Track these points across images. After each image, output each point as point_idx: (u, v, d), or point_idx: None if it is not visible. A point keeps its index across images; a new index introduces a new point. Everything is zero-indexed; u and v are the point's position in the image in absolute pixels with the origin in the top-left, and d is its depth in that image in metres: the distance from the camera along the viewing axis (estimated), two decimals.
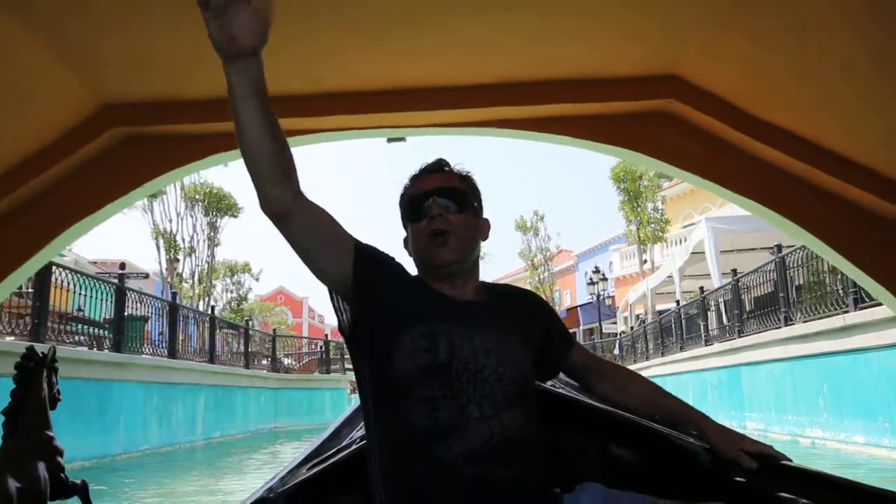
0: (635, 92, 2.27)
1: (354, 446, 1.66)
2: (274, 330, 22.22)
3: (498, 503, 1.23)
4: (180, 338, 12.98)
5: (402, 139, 2.61)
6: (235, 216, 27.58)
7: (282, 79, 2.04)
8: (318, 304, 62.39)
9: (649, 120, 2.36)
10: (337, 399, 22.84)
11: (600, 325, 31.22)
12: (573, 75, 2.25)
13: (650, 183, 26.86)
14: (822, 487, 1.34)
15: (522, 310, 1.51)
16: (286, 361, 23.45)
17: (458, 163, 1.52)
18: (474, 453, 1.24)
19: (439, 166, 1.49)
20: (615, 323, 33.21)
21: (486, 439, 1.25)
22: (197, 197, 26.04)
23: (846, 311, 8.05)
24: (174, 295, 12.46)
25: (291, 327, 46.65)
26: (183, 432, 12.68)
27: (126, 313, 11.32)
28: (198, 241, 26.13)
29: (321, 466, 1.64)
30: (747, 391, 11.60)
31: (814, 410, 9.24)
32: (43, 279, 8.41)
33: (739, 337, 11.83)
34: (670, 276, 19.21)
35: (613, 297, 34.67)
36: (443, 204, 1.41)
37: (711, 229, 13.16)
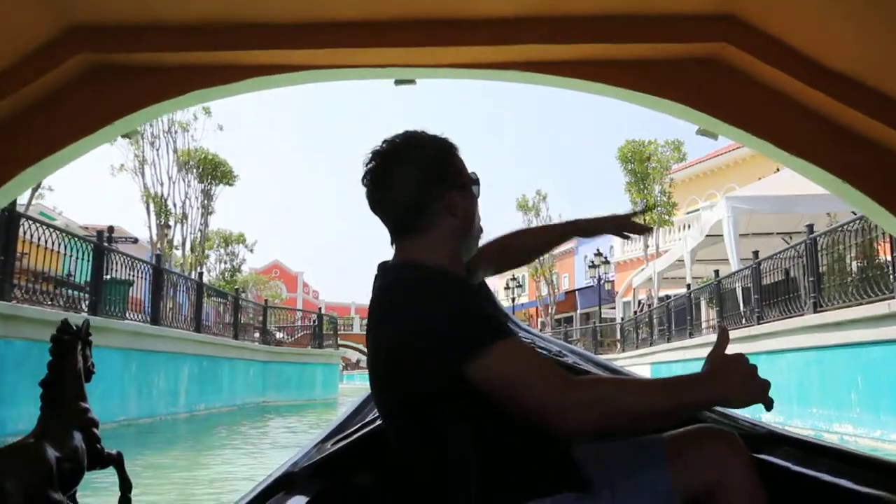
0: (684, 32, 2.02)
1: (378, 422, 1.64)
2: (265, 301, 21.47)
3: None
4: (164, 304, 12.23)
5: (411, 81, 2.36)
6: (231, 184, 26.96)
7: (273, 4, 1.94)
8: (313, 279, 62.21)
9: (698, 67, 2.12)
10: (328, 375, 22.18)
11: (600, 309, 30.68)
12: (612, 10, 1.99)
13: (658, 164, 26.18)
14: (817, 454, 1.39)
15: None
16: (279, 335, 22.77)
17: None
18: None
19: None
20: (613, 308, 32.70)
21: None
22: (191, 163, 25.37)
23: (891, 297, 7.34)
24: (158, 257, 11.69)
25: (285, 301, 46.21)
26: (164, 403, 11.97)
27: (109, 276, 10.72)
28: (191, 208, 25.54)
29: (344, 443, 1.65)
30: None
31: (844, 404, 8.55)
32: (9, 232, 7.64)
33: (759, 324, 11.14)
34: (680, 260, 18.49)
35: (613, 281, 34.15)
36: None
37: (731, 209, 12.41)
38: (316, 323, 21.94)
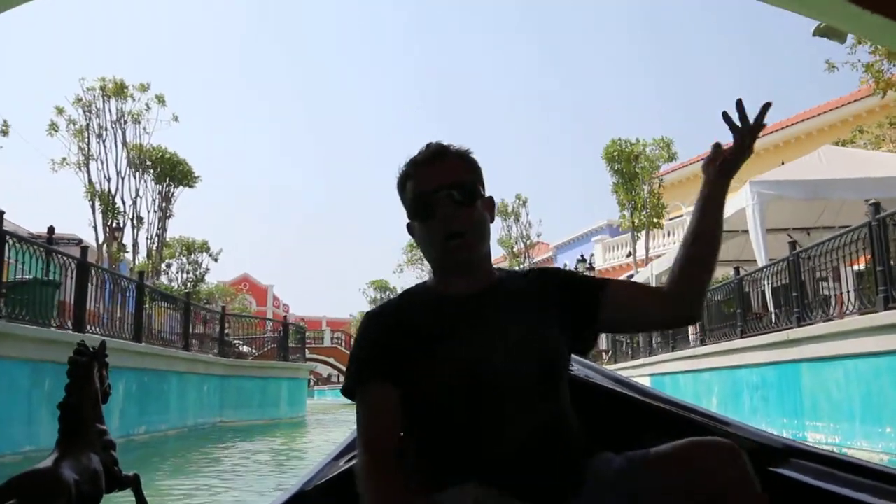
0: None
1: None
2: (223, 308, 19.33)
3: None
4: (94, 307, 10.19)
5: None
6: (192, 186, 25.05)
7: None
8: (283, 292, 60.12)
9: None
10: (295, 390, 20.10)
11: None
12: None
13: (647, 164, 24.68)
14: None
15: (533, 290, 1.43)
16: (245, 349, 20.66)
17: (456, 144, 1.43)
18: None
19: (442, 152, 1.40)
20: None
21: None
22: (148, 163, 23.37)
23: None
24: (84, 250, 9.64)
25: (259, 322, 44.34)
26: None
27: (32, 276, 8.86)
28: (148, 210, 23.58)
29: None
30: (810, 394, 9.23)
31: None
32: None
33: (799, 326, 9.46)
34: None
35: None
36: (457, 199, 1.35)
37: (757, 195, 10.80)
38: (281, 333, 19.83)
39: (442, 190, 1.34)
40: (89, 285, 9.85)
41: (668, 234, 28.06)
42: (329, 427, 18.99)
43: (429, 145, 1.41)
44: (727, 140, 1.41)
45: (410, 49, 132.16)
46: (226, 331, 21.55)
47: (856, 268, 8.80)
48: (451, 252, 1.34)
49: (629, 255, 29.83)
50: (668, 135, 24.72)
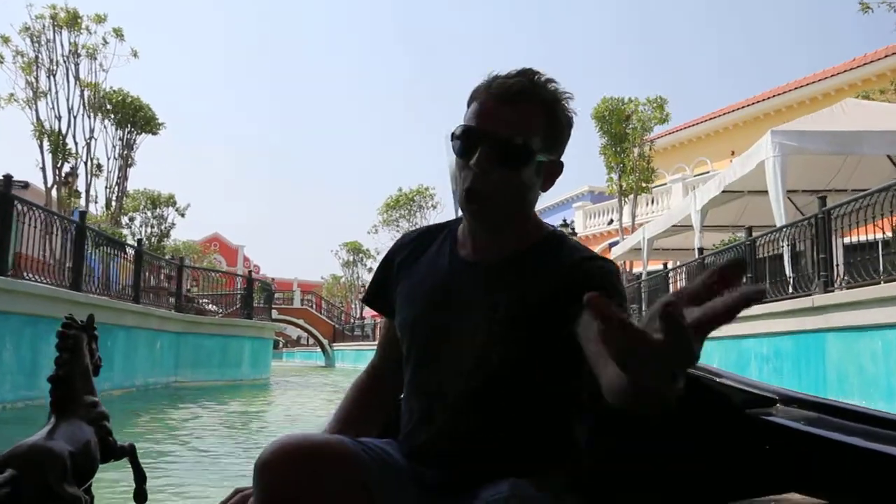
0: None
1: None
2: (181, 259, 17.88)
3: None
4: (21, 248, 8.80)
5: None
6: (155, 133, 23.55)
7: None
8: (255, 252, 58.65)
9: None
10: (259, 351, 18.83)
11: None
12: None
13: (639, 125, 23.51)
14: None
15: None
16: (213, 307, 19.30)
17: (547, 77, 1.19)
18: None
19: (517, 92, 1.15)
20: None
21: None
22: (108, 106, 21.77)
23: None
24: (7, 179, 8.19)
25: (223, 276, 42.93)
26: (13, 386, 8.55)
27: None
28: (108, 157, 22.14)
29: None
30: (836, 367, 8.21)
31: None
32: None
33: (826, 291, 8.41)
34: (677, 225, 15.80)
35: None
36: (490, 156, 1.14)
37: (779, 146, 9.66)
38: (244, 289, 18.46)
39: (487, 138, 1.16)
40: (14, 222, 8.44)
41: (653, 202, 26.97)
42: (294, 389, 17.81)
43: (520, 73, 1.19)
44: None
45: None
46: (190, 288, 20.24)
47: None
48: (465, 210, 1.22)
49: (611, 222, 28.80)
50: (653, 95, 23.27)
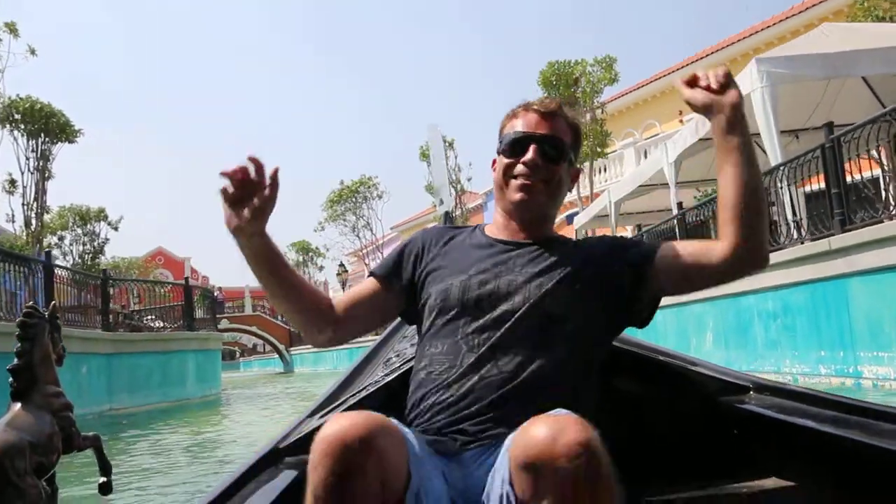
0: None
1: (365, 392, 1.67)
2: (104, 271, 16.01)
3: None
4: None
5: None
6: (72, 141, 21.53)
7: None
8: (203, 263, 56.18)
9: None
10: (205, 364, 17.12)
11: None
12: None
13: (589, 87, 22.42)
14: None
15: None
16: (158, 323, 17.41)
17: (567, 102, 1.65)
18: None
19: (555, 111, 1.51)
20: None
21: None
22: (16, 116, 19.77)
23: None
24: None
25: (170, 290, 40.74)
26: None
27: None
28: (21, 171, 20.17)
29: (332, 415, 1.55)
30: (865, 317, 7.12)
31: None
32: None
33: (844, 231, 7.31)
34: (643, 186, 14.69)
35: None
36: (546, 152, 1.46)
37: (766, 76, 8.54)
38: (183, 300, 16.68)
39: (538, 138, 1.47)
40: None
41: (605, 170, 25.69)
42: (249, 402, 16.17)
43: (550, 99, 1.56)
44: None
45: None
46: (132, 305, 18.29)
47: None
48: (515, 189, 1.47)
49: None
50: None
